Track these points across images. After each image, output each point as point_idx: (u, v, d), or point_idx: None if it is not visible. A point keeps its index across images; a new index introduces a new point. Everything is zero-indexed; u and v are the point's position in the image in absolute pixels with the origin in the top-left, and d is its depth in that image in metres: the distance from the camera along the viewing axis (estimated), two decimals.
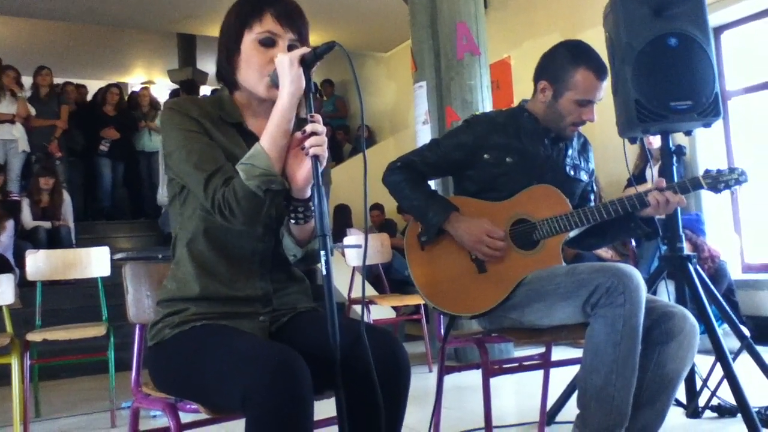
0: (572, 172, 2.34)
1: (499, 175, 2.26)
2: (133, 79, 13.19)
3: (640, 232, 2.24)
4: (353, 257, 4.97)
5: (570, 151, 2.36)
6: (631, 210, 2.16)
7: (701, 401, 2.78)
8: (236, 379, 1.31)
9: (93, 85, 9.38)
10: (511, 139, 2.28)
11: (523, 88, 6.35)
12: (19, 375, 3.27)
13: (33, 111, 7.16)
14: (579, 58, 2.20)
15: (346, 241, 5.27)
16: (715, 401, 2.77)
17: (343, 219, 7.52)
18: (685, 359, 2.01)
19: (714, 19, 5.24)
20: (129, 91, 10.67)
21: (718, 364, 2.52)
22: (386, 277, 5.48)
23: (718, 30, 5.56)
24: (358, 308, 5.16)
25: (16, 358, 3.29)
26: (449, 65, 4.74)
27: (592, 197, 2.42)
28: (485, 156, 2.27)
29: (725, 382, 2.52)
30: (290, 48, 1.54)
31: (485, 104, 4.71)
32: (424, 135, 4.97)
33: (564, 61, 2.23)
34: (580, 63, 2.19)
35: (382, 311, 5.50)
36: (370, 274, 5.88)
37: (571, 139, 2.36)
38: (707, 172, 2.20)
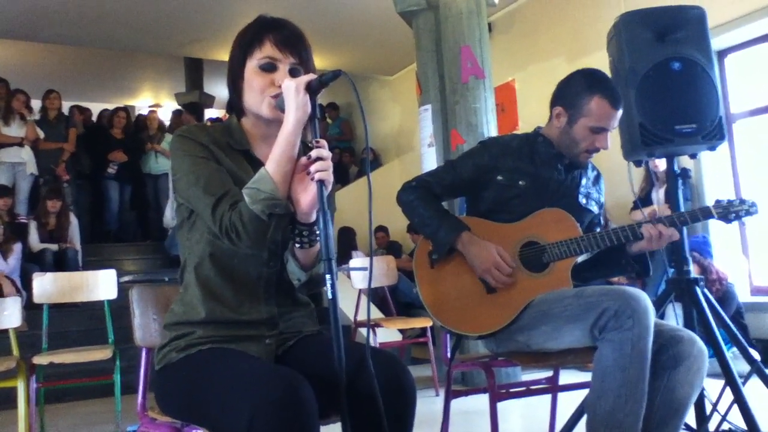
0: (584, 201, 2.36)
1: (512, 197, 2.28)
2: (141, 102, 13.28)
3: (629, 269, 2.26)
4: (359, 279, 4.96)
5: (584, 180, 2.39)
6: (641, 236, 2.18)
7: (711, 426, 2.75)
8: (242, 403, 1.31)
9: (100, 108, 9.42)
10: (524, 163, 2.30)
11: (527, 111, 6.43)
12: (24, 398, 3.27)
13: (41, 134, 7.22)
14: (594, 86, 2.23)
15: (352, 263, 5.27)
16: (725, 426, 2.74)
17: (347, 241, 7.52)
18: (694, 384, 2.00)
19: (718, 42, 5.27)
20: (136, 114, 10.74)
21: (728, 388, 2.50)
22: (392, 300, 5.46)
23: (723, 53, 5.58)
24: (364, 331, 5.14)
25: (22, 381, 3.29)
26: (454, 88, 4.77)
27: (598, 230, 2.43)
28: (498, 178, 2.29)
29: (735, 406, 2.49)
30: (291, 72, 1.57)
31: (490, 127, 4.74)
32: (430, 158, 5.00)
33: (580, 88, 2.25)
34: (595, 91, 2.22)
35: (388, 334, 5.48)
36: (376, 296, 5.87)
37: (586, 168, 2.39)
38: (718, 202, 2.21)
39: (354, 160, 10.51)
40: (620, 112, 2.26)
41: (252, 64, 1.59)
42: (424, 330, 4.87)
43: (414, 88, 5.35)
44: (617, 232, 2.19)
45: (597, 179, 2.47)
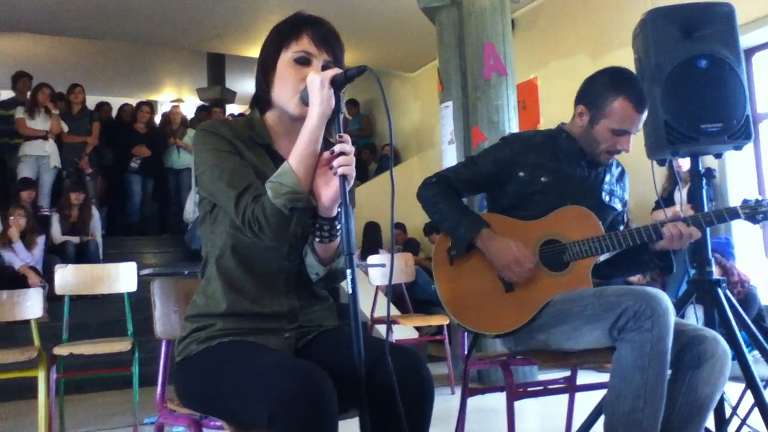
0: (607, 198, 2.33)
1: (533, 193, 2.26)
2: (163, 97, 13.38)
3: (652, 266, 2.23)
4: (377, 276, 4.96)
5: (608, 177, 2.36)
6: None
7: (731, 429, 2.71)
8: (262, 396, 1.32)
9: (120, 103, 9.48)
10: (547, 159, 2.27)
11: (549, 108, 6.39)
12: (45, 388, 3.30)
13: (65, 128, 7.30)
14: (620, 87, 2.18)
15: (370, 260, 5.26)
16: (745, 430, 2.71)
17: (374, 237, 7.50)
18: (717, 383, 1.98)
19: (745, 40, 5.19)
20: (158, 109, 10.81)
21: (749, 392, 2.47)
22: (409, 297, 5.46)
23: (750, 52, 5.51)
24: (380, 328, 5.14)
25: (42, 372, 3.32)
26: (476, 85, 4.75)
27: (621, 228, 2.40)
28: (520, 174, 2.27)
29: (756, 410, 2.46)
30: (324, 68, 1.57)
31: (512, 124, 4.71)
32: (450, 154, 4.98)
33: (604, 88, 2.21)
34: (620, 92, 2.17)
35: (404, 331, 5.48)
36: (393, 293, 5.86)
37: (610, 165, 2.36)
38: (746, 202, 2.17)
39: (374, 157, 10.50)
40: (644, 116, 2.21)
41: (287, 57, 1.60)
42: (440, 328, 4.86)
43: (435, 84, 5.33)
44: (640, 231, 2.16)
45: (621, 176, 2.44)
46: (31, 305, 3.66)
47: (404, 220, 7.73)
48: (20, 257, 5.79)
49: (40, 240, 6.06)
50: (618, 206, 2.38)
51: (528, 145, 2.30)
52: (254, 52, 8.41)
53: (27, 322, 3.68)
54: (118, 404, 4.43)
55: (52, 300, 4.80)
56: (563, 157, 2.29)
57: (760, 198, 2.17)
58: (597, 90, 2.24)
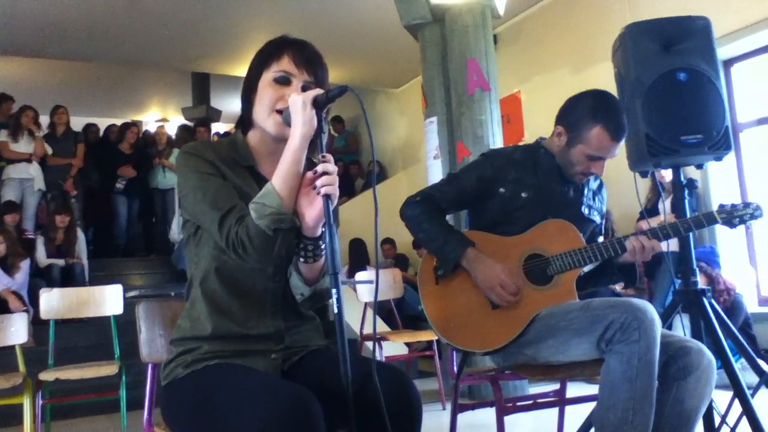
0: (586, 211, 2.36)
1: (515, 209, 2.27)
2: (148, 117, 13.34)
3: (616, 279, 2.30)
4: (365, 293, 4.95)
5: (586, 191, 2.38)
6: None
7: None
8: (249, 418, 1.31)
9: (105, 123, 9.44)
10: (527, 175, 2.29)
11: (533, 122, 6.42)
12: (30, 415, 3.27)
13: (50, 150, 7.25)
14: (599, 114, 2.20)
15: (358, 276, 5.26)
16: None
17: (359, 253, 7.48)
18: (703, 395, 1.99)
19: (724, 52, 5.27)
20: (143, 129, 10.79)
21: (737, 400, 2.48)
22: (398, 313, 5.44)
23: (729, 62, 5.58)
24: (370, 345, 5.12)
25: (28, 398, 3.28)
26: (460, 101, 4.78)
27: (600, 239, 2.42)
28: (501, 190, 2.28)
29: (744, 418, 2.47)
30: (304, 88, 1.57)
31: (496, 139, 4.74)
32: (436, 170, 4.99)
33: (584, 113, 2.23)
34: (598, 120, 2.19)
35: (394, 347, 5.46)
36: (382, 309, 5.85)
37: (588, 179, 2.38)
38: (722, 207, 2.20)
39: (360, 173, 10.52)
40: (621, 144, 2.24)
41: (267, 77, 1.61)
42: (430, 343, 4.85)
43: (420, 100, 5.36)
44: (621, 241, 2.19)
45: (599, 188, 2.47)
46: (15, 330, 3.63)
47: (393, 235, 7.73)
48: (1, 282, 5.71)
49: (24, 264, 5.98)
50: (597, 219, 2.41)
51: (508, 161, 2.32)
52: (239, 71, 8.46)
53: (12, 347, 3.64)
54: (106, 429, 4.38)
55: (38, 324, 4.74)
56: (542, 173, 2.31)
57: (736, 203, 2.21)
58: (577, 114, 2.25)
